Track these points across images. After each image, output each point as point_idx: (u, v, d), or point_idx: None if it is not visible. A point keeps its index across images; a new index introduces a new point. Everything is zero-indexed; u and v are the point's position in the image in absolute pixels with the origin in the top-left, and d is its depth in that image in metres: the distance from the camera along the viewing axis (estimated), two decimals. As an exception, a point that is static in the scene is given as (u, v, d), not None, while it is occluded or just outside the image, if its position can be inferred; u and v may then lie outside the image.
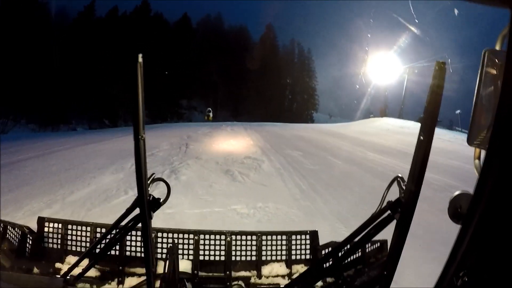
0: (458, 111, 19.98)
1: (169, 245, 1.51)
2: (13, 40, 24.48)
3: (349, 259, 1.43)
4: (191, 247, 1.57)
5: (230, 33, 46.89)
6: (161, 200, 1.16)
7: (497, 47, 0.76)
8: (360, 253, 1.47)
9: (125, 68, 28.54)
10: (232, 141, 11.38)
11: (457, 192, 0.79)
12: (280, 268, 1.59)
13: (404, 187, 0.94)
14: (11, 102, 26.25)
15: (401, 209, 0.93)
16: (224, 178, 5.93)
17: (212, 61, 39.62)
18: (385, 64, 21.87)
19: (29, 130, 27.08)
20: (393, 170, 6.70)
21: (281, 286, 1.52)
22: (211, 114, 32.09)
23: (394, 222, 0.95)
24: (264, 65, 42.30)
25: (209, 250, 1.57)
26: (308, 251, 1.62)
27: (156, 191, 1.30)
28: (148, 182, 1.11)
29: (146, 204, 1.07)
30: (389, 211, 0.97)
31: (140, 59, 0.94)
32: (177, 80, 35.60)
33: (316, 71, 48.52)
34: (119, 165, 6.72)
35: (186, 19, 42.04)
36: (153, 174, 1.19)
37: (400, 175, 0.99)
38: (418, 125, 0.88)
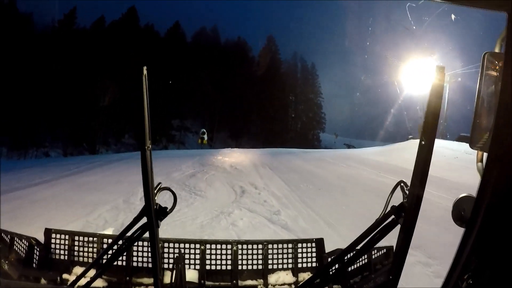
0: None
1: (175, 255, 1.59)
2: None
3: (355, 266, 1.52)
4: (197, 256, 1.65)
5: (228, 47, 43.50)
6: (168, 209, 1.21)
7: (497, 50, 0.78)
8: (366, 260, 1.55)
9: (111, 83, 25.03)
10: (235, 210, 5.75)
11: (460, 195, 0.83)
12: (286, 277, 1.64)
13: (407, 192, 0.97)
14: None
15: (405, 213, 0.94)
16: None
17: (208, 77, 35.90)
18: (417, 74, 17.70)
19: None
20: None
21: None
22: (205, 137, 28.51)
23: (399, 227, 1.02)
24: (265, 80, 38.69)
25: (216, 259, 1.65)
26: (314, 259, 1.69)
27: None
28: (155, 191, 1.16)
29: (153, 213, 1.13)
30: (393, 216, 1.01)
31: (145, 71, 1.04)
32: (170, 97, 31.76)
33: (321, 87, 44.95)
34: None
35: (177, 27, 38.46)
36: (160, 183, 1.24)
37: (403, 180, 1.03)
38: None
